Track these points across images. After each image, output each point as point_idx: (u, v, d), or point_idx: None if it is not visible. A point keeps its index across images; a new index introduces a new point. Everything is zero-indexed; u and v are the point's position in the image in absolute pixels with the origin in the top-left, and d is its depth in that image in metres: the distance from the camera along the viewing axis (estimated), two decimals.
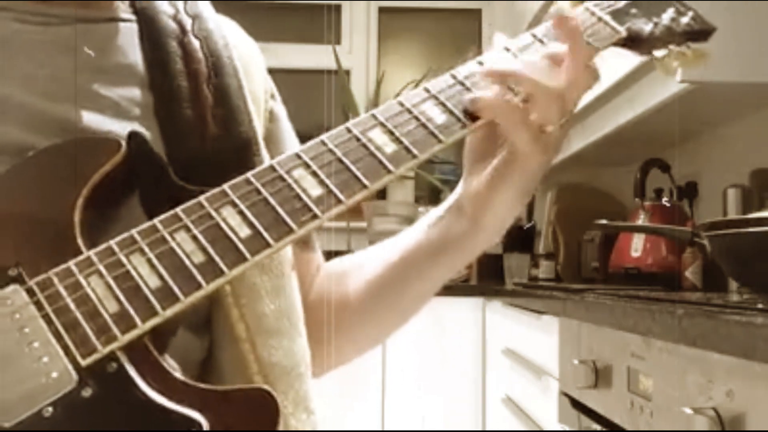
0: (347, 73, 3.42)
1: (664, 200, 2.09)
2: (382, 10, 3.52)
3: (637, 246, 2.03)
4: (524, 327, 2.00)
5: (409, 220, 2.97)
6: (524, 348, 2.01)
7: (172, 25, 0.63)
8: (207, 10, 0.67)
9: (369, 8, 3.51)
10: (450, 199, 0.67)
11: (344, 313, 0.70)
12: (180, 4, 0.66)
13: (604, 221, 1.99)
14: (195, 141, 0.58)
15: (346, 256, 0.75)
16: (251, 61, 0.69)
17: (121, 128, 0.56)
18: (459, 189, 0.66)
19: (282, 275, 0.60)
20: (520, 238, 2.81)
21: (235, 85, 0.62)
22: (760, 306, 0.94)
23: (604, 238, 2.28)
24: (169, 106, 0.59)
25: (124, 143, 0.53)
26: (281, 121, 0.71)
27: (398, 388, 2.59)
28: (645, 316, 1.06)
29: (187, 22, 0.64)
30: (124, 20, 0.63)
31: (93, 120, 0.56)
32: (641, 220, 2.05)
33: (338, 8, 3.50)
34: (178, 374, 0.47)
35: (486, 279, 2.83)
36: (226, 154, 0.58)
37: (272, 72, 0.73)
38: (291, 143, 0.71)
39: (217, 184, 0.53)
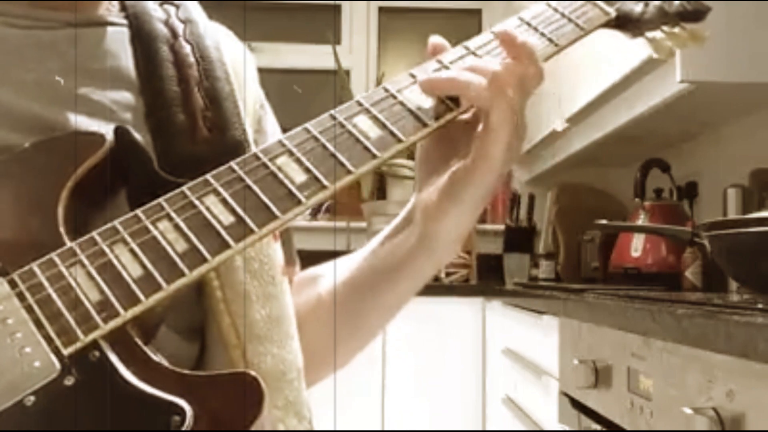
0: (347, 73, 3.42)
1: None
2: (382, 10, 3.52)
3: (637, 246, 2.03)
4: (524, 327, 2.00)
5: None
6: (524, 348, 2.01)
7: (164, 29, 0.63)
8: (199, 15, 0.67)
9: (369, 8, 3.51)
10: (401, 215, 0.65)
11: (306, 326, 0.68)
12: (171, 9, 0.65)
13: (604, 221, 1.99)
14: (186, 144, 0.58)
15: (313, 268, 0.73)
16: (241, 68, 0.68)
17: (110, 130, 0.56)
18: (410, 203, 0.64)
19: (273, 280, 0.60)
20: (520, 238, 2.81)
21: (227, 89, 0.62)
22: (760, 306, 0.94)
23: (604, 238, 2.28)
24: (160, 110, 0.59)
25: (108, 138, 0.53)
26: (266, 136, 0.70)
27: (398, 388, 2.59)
28: (645, 316, 1.07)
29: (179, 27, 0.64)
30: (114, 24, 0.63)
31: (83, 124, 0.56)
32: (641, 220, 2.05)
33: (338, 8, 3.51)
34: (161, 360, 0.47)
35: (486, 279, 2.83)
36: (217, 158, 0.57)
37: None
38: None
39: None
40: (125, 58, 0.61)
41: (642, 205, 2.06)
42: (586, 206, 2.49)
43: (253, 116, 0.68)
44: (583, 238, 2.43)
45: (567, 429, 1.48)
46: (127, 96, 0.60)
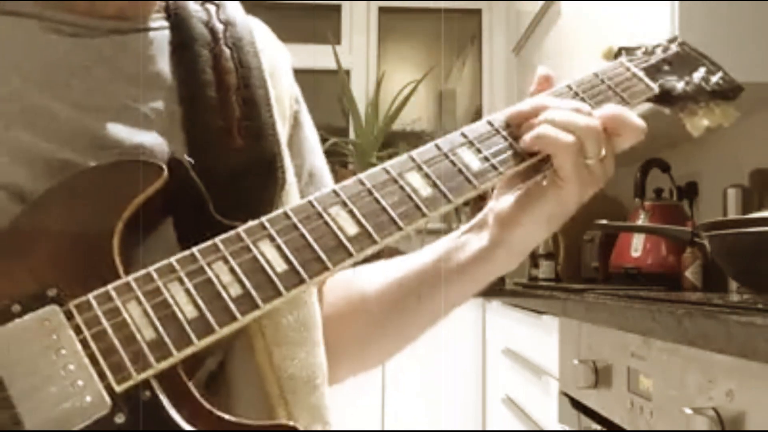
0: (347, 73, 3.42)
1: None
2: (382, 10, 3.52)
3: (637, 246, 2.03)
4: (524, 327, 2.00)
5: None
6: (524, 348, 2.01)
7: (204, 32, 0.63)
8: (239, 14, 0.67)
9: (369, 8, 3.51)
10: (476, 218, 0.67)
11: (360, 316, 0.69)
12: (212, 9, 0.65)
13: (604, 221, 1.98)
14: (219, 153, 0.58)
15: (357, 268, 0.74)
16: (278, 66, 0.68)
17: (150, 140, 0.56)
18: (487, 207, 0.66)
19: None
20: None
21: (263, 96, 0.62)
22: (760, 306, 0.94)
23: (604, 238, 2.28)
24: (197, 117, 0.59)
25: (165, 168, 0.53)
26: (303, 128, 0.71)
27: (398, 387, 2.60)
28: (645, 316, 1.07)
29: (219, 29, 0.64)
30: (156, 29, 0.62)
31: (122, 132, 0.56)
32: (641, 220, 2.05)
33: (338, 8, 3.51)
34: (209, 405, 0.47)
35: None
36: (251, 167, 0.58)
37: None
38: (309, 151, 0.71)
39: (239, 196, 0.53)
40: (165, 63, 0.61)
41: (642, 205, 2.06)
42: (586, 206, 2.49)
43: (289, 111, 0.68)
44: (583, 238, 2.43)
45: (567, 429, 1.48)
46: (165, 102, 0.59)
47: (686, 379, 0.96)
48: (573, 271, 2.54)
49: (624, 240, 2.10)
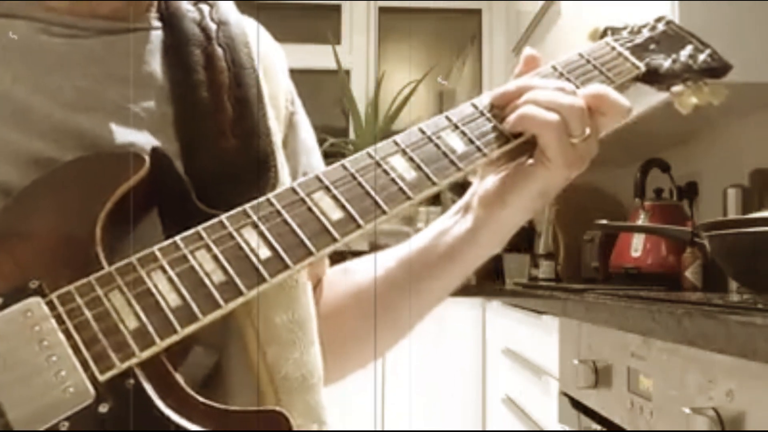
0: (347, 73, 3.42)
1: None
2: (382, 10, 3.52)
3: (637, 246, 2.03)
4: (524, 327, 2.00)
5: (409, 220, 2.97)
6: (524, 348, 2.01)
7: (197, 31, 0.63)
8: (232, 14, 0.66)
9: (369, 8, 3.51)
10: (460, 201, 0.67)
11: (356, 312, 0.69)
12: (206, 9, 0.65)
13: (604, 221, 1.99)
14: (212, 153, 0.58)
15: (344, 263, 0.74)
16: (273, 65, 0.68)
17: (141, 139, 0.56)
18: (471, 189, 0.66)
19: (296, 284, 0.60)
20: (519, 238, 2.81)
21: (256, 96, 0.62)
22: (760, 306, 0.94)
23: (604, 238, 2.28)
24: (189, 117, 0.59)
25: (147, 158, 0.53)
26: (299, 129, 0.71)
27: (398, 387, 2.59)
28: (645, 316, 1.07)
29: (212, 29, 0.63)
30: (149, 29, 0.62)
31: (114, 131, 0.56)
32: (641, 220, 2.05)
33: (338, 8, 3.51)
34: (194, 393, 0.47)
35: (486, 279, 2.83)
36: (243, 167, 0.58)
37: None
38: (304, 153, 0.71)
39: (232, 196, 0.53)
40: (158, 63, 0.61)
41: (642, 205, 2.06)
42: (586, 206, 2.49)
43: (284, 112, 0.68)
44: (583, 238, 2.43)
45: (567, 429, 1.48)
46: (157, 102, 0.59)
47: (686, 379, 0.96)
48: (573, 271, 2.54)
49: (624, 240, 2.10)
